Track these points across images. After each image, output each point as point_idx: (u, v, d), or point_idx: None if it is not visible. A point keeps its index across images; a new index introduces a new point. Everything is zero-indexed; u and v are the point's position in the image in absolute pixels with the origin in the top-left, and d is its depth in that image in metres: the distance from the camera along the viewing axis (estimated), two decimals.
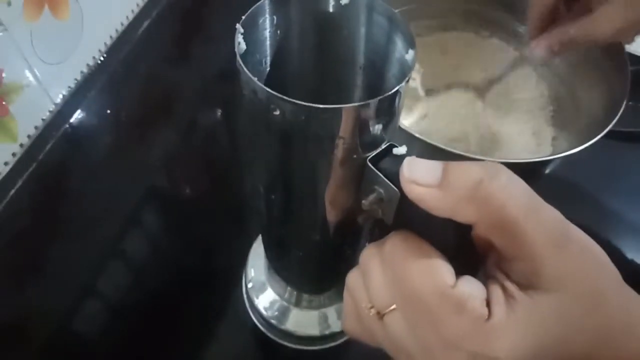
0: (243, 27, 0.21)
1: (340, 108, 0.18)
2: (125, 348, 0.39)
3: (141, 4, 0.55)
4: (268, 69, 0.24)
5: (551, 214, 0.18)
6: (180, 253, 0.44)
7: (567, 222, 0.18)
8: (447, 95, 0.49)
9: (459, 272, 0.19)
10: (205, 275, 0.43)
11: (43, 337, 0.39)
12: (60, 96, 0.48)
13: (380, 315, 0.20)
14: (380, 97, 0.18)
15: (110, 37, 0.52)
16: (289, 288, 0.36)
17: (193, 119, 0.52)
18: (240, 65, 0.19)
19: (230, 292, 0.42)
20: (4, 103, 0.41)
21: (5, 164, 0.43)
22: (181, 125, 0.51)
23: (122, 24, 0.53)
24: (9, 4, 0.39)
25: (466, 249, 0.19)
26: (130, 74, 0.52)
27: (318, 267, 0.32)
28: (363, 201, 0.21)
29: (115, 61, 0.52)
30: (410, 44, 0.20)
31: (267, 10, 0.22)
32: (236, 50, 0.20)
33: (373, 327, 0.21)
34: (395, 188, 0.19)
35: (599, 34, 0.36)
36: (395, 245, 0.20)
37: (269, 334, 0.37)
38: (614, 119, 0.36)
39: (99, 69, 0.51)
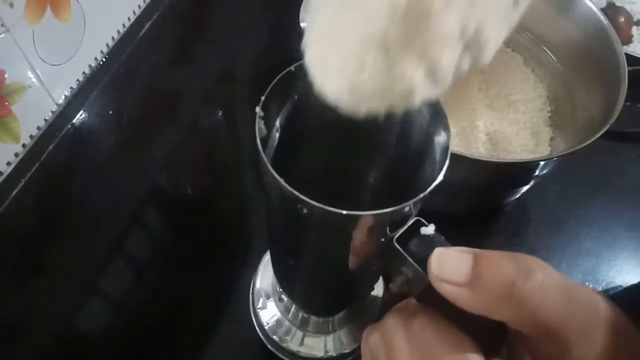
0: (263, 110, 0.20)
1: (372, 214, 0.17)
2: (128, 349, 0.39)
3: (143, 5, 0.55)
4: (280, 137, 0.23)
5: (583, 301, 0.17)
6: (183, 252, 0.44)
7: (597, 298, 0.18)
8: (446, 96, 0.49)
9: (485, 347, 0.19)
10: (211, 278, 0.43)
11: (46, 336, 0.39)
12: (63, 97, 0.48)
13: None
14: (414, 200, 0.18)
15: (112, 38, 0.52)
16: (295, 309, 0.37)
17: (194, 119, 0.52)
18: (262, 157, 0.18)
19: (234, 295, 0.42)
20: (6, 104, 0.41)
21: (8, 164, 0.43)
22: (183, 125, 0.51)
23: (123, 26, 0.53)
24: (12, 5, 0.39)
25: (493, 328, 0.18)
26: (132, 74, 0.53)
27: (329, 298, 0.32)
28: (391, 285, 0.21)
29: (117, 62, 0.52)
30: (444, 126, 0.19)
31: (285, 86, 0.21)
32: (257, 134, 0.19)
33: None
34: (423, 272, 0.19)
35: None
36: (425, 328, 0.20)
37: (274, 350, 0.38)
38: (611, 119, 0.36)
39: (101, 70, 0.51)
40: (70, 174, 0.46)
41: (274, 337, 0.37)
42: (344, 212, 0.17)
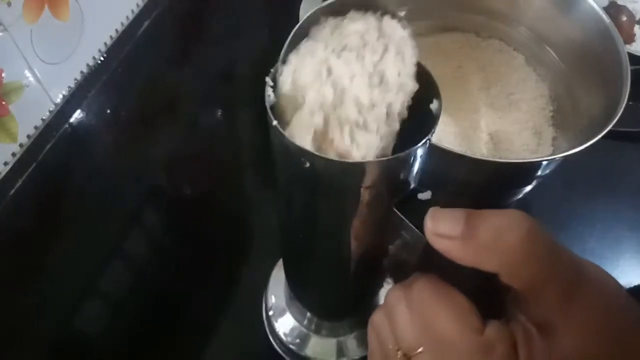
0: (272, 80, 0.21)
1: (367, 162, 0.18)
2: (126, 347, 0.39)
3: (141, 4, 0.55)
4: None
5: (567, 261, 0.18)
6: (181, 252, 0.44)
7: (581, 264, 0.18)
8: (448, 96, 0.49)
9: (483, 312, 0.19)
10: (211, 278, 0.43)
11: (45, 336, 0.39)
12: (60, 96, 0.48)
13: (408, 357, 0.21)
14: (408, 150, 0.19)
15: (110, 37, 0.52)
16: (308, 315, 0.36)
17: (194, 119, 0.52)
18: (270, 118, 0.19)
19: (232, 292, 0.42)
20: (3, 103, 0.41)
21: (5, 164, 0.43)
22: (182, 125, 0.51)
23: (122, 24, 0.53)
24: (9, 4, 0.39)
25: (489, 289, 0.19)
26: (130, 74, 0.52)
27: (339, 298, 0.32)
28: (389, 246, 0.21)
29: (115, 61, 0.52)
30: (435, 94, 0.20)
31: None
32: (266, 102, 0.20)
33: None
34: (420, 233, 0.19)
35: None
36: (423, 289, 0.20)
37: (283, 355, 0.38)
38: (614, 119, 0.36)
39: (99, 69, 0.51)
40: (68, 173, 0.46)
41: (289, 344, 0.37)
42: (343, 160, 0.18)
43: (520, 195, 0.46)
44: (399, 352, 0.21)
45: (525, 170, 0.40)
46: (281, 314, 0.38)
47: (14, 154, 0.43)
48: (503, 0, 0.50)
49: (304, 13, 0.44)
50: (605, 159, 0.48)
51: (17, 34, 0.40)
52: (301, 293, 0.34)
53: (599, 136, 0.35)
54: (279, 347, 0.38)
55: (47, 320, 0.39)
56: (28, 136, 0.45)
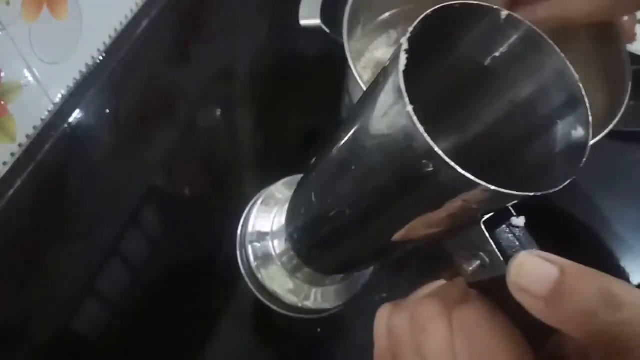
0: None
1: (501, 193, 0.16)
2: (126, 347, 0.39)
3: (140, 3, 0.55)
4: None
5: None
6: (181, 252, 0.44)
7: None
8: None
9: (529, 340, 0.18)
10: (211, 278, 0.43)
11: (43, 337, 0.39)
12: (59, 96, 0.47)
13: None
14: (551, 190, 0.17)
15: (109, 36, 0.52)
16: (290, 255, 0.35)
17: (192, 119, 0.52)
18: (405, 100, 0.15)
19: (232, 291, 0.42)
20: (2, 103, 0.41)
21: (4, 164, 0.43)
22: (180, 125, 0.51)
23: (121, 24, 0.53)
24: (8, 3, 0.39)
25: (544, 327, 0.17)
26: (129, 73, 0.52)
27: (348, 261, 0.31)
28: (464, 266, 0.19)
29: (114, 61, 0.52)
30: (583, 122, 0.18)
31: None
32: (400, 68, 0.16)
33: None
34: (503, 263, 0.18)
35: (572, 12, 0.32)
36: (480, 319, 0.19)
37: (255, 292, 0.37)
38: (615, 118, 0.36)
39: (98, 68, 0.51)
40: (67, 173, 0.46)
41: (258, 275, 0.35)
42: (484, 183, 0.15)
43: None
44: None
45: None
46: (259, 246, 0.37)
47: (12, 154, 0.43)
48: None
49: (304, 13, 0.44)
50: (607, 159, 0.48)
51: (15, 33, 0.40)
52: (305, 245, 0.32)
53: (601, 136, 0.35)
54: (245, 270, 0.37)
55: (46, 320, 0.39)
56: (27, 136, 0.44)
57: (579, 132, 0.18)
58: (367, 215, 0.22)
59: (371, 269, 0.38)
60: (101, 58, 0.51)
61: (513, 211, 0.19)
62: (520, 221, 0.19)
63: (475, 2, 0.18)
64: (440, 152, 0.15)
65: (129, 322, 0.40)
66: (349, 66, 0.38)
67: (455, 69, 0.20)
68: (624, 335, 0.15)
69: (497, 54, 0.20)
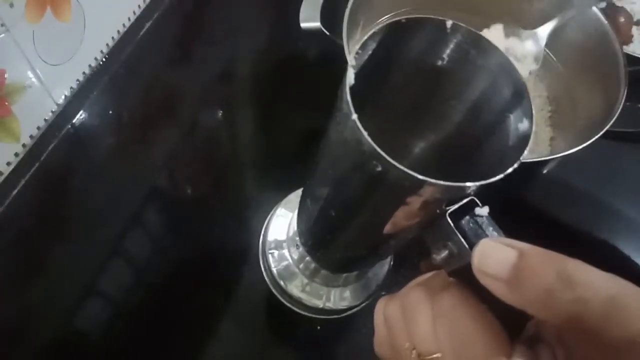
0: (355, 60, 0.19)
1: (447, 186, 0.17)
2: (128, 347, 0.39)
3: (143, 5, 0.55)
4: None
5: (635, 309, 0.16)
6: (182, 252, 0.44)
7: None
8: None
9: (507, 327, 0.19)
10: (210, 278, 0.43)
11: (46, 336, 0.39)
12: (63, 97, 0.48)
13: (422, 359, 0.20)
14: (493, 179, 0.18)
15: (112, 38, 0.52)
16: (307, 260, 0.37)
17: (195, 119, 0.52)
18: (350, 109, 0.17)
19: (233, 292, 0.42)
20: (6, 104, 0.41)
21: (8, 164, 0.43)
22: (183, 125, 0.51)
23: (123, 26, 0.53)
24: (11, 5, 0.39)
25: (518, 313, 0.18)
26: (132, 74, 0.53)
27: (351, 258, 0.32)
28: (434, 255, 0.21)
29: (117, 62, 0.52)
30: (527, 114, 0.19)
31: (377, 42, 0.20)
32: (346, 84, 0.18)
33: None
34: (469, 250, 0.19)
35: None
36: (457, 302, 0.20)
37: (278, 296, 0.38)
38: (611, 119, 0.36)
39: (101, 69, 0.51)
40: (70, 174, 0.46)
41: (280, 281, 0.37)
42: (425, 178, 0.16)
43: (518, 195, 0.46)
44: (414, 352, 0.21)
45: (523, 171, 0.40)
46: (277, 255, 0.39)
47: (16, 154, 0.44)
48: (502, 0, 0.50)
49: (304, 13, 0.44)
50: (603, 159, 0.48)
51: (19, 35, 0.40)
52: (312, 245, 0.34)
53: (597, 136, 0.35)
54: (270, 281, 0.39)
55: (47, 320, 0.39)
56: (31, 136, 0.45)
57: (524, 124, 0.19)
58: (351, 214, 0.23)
59: (385, 270, 0.39)
60: (104, 60, 0.51)
61: (478, 202, 0.20)
62: (484, 211, 0.20)
63: (420, 16, 0.20)
64: (382, 153, 0.17)
65: (129, 322, 0.41)
66: (348, 67, 0.38)
67: (411, 77, 0.22)
68: (580, 313, 0.16)
69: (448, 59, 0.21)
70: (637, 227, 0.47)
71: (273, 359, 0.41)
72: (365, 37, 0.19)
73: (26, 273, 0.41)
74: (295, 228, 0.36)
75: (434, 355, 0.20)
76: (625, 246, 0.46)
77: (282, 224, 0.40)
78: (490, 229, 0.20)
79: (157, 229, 0.46)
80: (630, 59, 0.41)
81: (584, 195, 0.48)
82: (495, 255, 0.17)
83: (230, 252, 0.45)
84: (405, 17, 0.19)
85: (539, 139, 0.46)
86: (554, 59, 0.48)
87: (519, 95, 0.20)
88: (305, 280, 0.38)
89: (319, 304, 0.37)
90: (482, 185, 0.17)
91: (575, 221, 0.47)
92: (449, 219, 0.20)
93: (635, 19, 0.58)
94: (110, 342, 0.39)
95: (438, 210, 0.20)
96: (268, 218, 0.41)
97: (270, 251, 0.39)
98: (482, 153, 0.22)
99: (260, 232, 0.41)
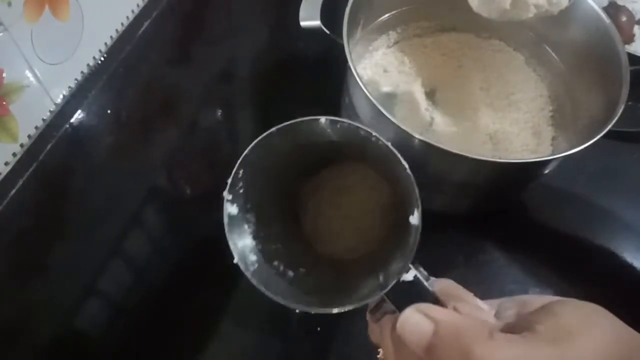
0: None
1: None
2: (128, 346, 0.39)
3: (141, 4, 0.55)
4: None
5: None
6: (182, 251, 0.44)
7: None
8: (448, 96, 0.49)
9: None
10: (210, 278, 0.43)
11: (46, 336, 0.39)
12: (61, 96, 0.48)
13: None
14: (381, 293, 0.21)
15: (111, 37, 0.52)
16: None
17: (194, 119, 0.52)
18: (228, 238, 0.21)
19: (232, 291, 0.42)
20: (4, 103, 0.41)
21: (6, 164, 0.43)
22: (182, 125, 0.51)
23: (122, 24, 0.53)
24: (9, 4, 0.39)
25: None
26: (130, 74, 0.52)
27: None
28: (371, 312, 0.24)
29: (115, 61, 0.52)
30: (415, 205, 0.21)
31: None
32: (225, 217, 0.22)
33: None
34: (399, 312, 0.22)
35: None
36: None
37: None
38: (613, 118, 0.36)
39: (100, 69, 0.51)
40: (69, 173, 0.46)
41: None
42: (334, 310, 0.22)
43: (520, 195, 0.46)
44: None
45: (525, 171, 0.40)
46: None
47: (14, 154, 0.43)
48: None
49: (304, 14, 0.44)
50: (604, 159, 0.48)
51: (17, 34, 0.40)
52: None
53: (599, 136, 0.35)
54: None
55: (47, 320, 0.39)
56: (29, 136, 0.45)
57: (415, 218, 0.21)
58: None
59: None
60: (102, 59, 0.51)
61: (407, 267, 0.22)
62: (409, 276, 0.22)
63: (290, 122, 0.24)
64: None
65: (129, 322, 0.40)
66: (348, 67, 0.38)
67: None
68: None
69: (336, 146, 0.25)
70: (638, 227, 0.47)
71: (273, 359, 0.41)
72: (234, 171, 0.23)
73: (25, 273, 0.41)
74: None
75: None
76: (627, 246, 0.46)
77: None
78: (417, 293, 0.22)
79: (156, 228, 0.46)
80: (632, 58, 0.40)
81: (586, 194, 0.48)
82: (413, 326, 0.20)
83: (230, 252, 0.44)
84: (277, 126, 0.24)
85: (541, 139, 0.46)
86: (556, 58, 0.48)
87: (407, 185, 0.22)
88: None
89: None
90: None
91: (577, 221, 0.47)
92: (383, 295, 0.22)
93: (637, 18, 0.58)
94: (110, 341, 0.39)
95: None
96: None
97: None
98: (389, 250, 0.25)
99: None
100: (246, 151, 0.22)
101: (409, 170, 0.22)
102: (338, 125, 0.24)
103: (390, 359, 0.25)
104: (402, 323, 0.21)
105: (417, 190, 0.21)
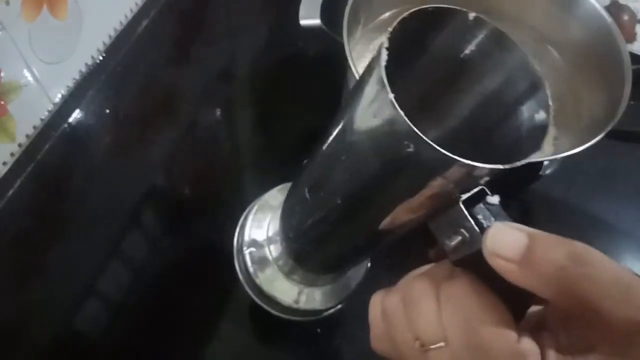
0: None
1: (477, 167, 0.17)
2: (127, 347, 0.39)
3: (140, 3, 0.55)
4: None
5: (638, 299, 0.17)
6: (179, 252, 0.44)
7: None
8: None
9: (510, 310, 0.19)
10: (210, 278, 0.43)
11: (44, 336, 0.39)
12: (59, 96, 0.47)
13: (425, 349, 0.20)
14: (520, 162, 0.18)
15: (109, 36, 0.52)
16: (284, 258, 0.36)
17: (192, 119, 0.52)
18: (387, 87, 0.17)
19: (232, 291, 0.42)
20: (2, 103, 0.41)
21: (4, 164, 0.43)
22: (180, 124, 0.51)
23: (120, 24, 0.53)
24: (8, 3, 0.39)
25: (523, 294, 0.19)
26: (128, 73, 0.52)
27: (342, 259, 0.32)
28: (447, 241, 0.21)
29: (114, 61, 0.52)
30: (545, 107, 0.20)
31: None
32: (382, 63, 0.18)
33: (411, 356, 0.21)
34: (481, 236, 0.19)
35: None
36: (466, 290, 0.20)
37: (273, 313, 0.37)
38: (615, 118, 0.36)
39: (98, 68, 0.51)
40: (67, 173, 0.46)
41: (256, 279, 0.36)
42: (459, 158, 0.17)
43: (521, 195, 0.46)
44: (416, 343, 0.21)
45: (526, 170, 0.40)
46: (255, 246, 0.38)
47: (12, 154, 0.43)
48: None
49: (304, 13, 0.44)
50: (606, 158, 0.48)
51: (15, 34, 0.40)
52: (301, 249, 0.34)
53: (600, 136, 0.35)
54: (243, 276, 0.37)
55: (46, 320, 0.39)
56: (27, 136, 0.44)
57: (540, 115, 0.20)
58: (358, 202, 0.24)
59: (364, 269, 0.38)
60: (101, 58, 0.51)
61: (488, 191, 0.21)
62: (495, 199, 0.21)
63: (446, 6, 0.20)
64: (419, 133, 0.17)
65: (129, 322, 0.40)
66: (349, 66, 0.38)
67: (432, 65, 0.23)
68: (589, 291, 0.16)
69: (467, 51, 0.22)
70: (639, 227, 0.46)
71: (273, 359, 0.41)
72: (396, 23, 0.19)
73: (24, 273, 0.41)
74: (277, 227, 0.35)
75: (438, 345, 0.20)
76: (628, 246, 0.46)
77: (259, 222, 0.39)
78: (502, 216, 0.20)
79: (155, 228, 0.46)
80: (634, 57, 0.40)
81: (587, 194, 0.48)
82: (507, 237, 0.18)
83: (229, 252, 0.44)
84: (432, 5, 0.20)
85: None
86: (558, 57, 0.48)
87: (535, 87, 0.20)
88: (283, 277, 0.37)
89: (292, 303, 0.36)
90: (505, 170, 0.18)
91: (579, 221, 0.47)
92: (462, 207, 0.20)
93: (639, 17, 0.57)
94: (109, 341, 0.39)
95: (453, 197, 0.20)
96: (242, 217, 0.40)
97: (248, 249, 0.38)
98: (497, 143, 0.22)
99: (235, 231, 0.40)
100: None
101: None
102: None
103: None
104: (492, 237, 0.18)
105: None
